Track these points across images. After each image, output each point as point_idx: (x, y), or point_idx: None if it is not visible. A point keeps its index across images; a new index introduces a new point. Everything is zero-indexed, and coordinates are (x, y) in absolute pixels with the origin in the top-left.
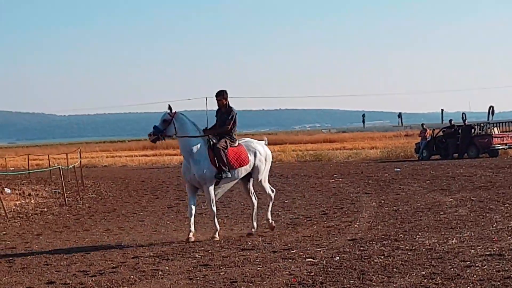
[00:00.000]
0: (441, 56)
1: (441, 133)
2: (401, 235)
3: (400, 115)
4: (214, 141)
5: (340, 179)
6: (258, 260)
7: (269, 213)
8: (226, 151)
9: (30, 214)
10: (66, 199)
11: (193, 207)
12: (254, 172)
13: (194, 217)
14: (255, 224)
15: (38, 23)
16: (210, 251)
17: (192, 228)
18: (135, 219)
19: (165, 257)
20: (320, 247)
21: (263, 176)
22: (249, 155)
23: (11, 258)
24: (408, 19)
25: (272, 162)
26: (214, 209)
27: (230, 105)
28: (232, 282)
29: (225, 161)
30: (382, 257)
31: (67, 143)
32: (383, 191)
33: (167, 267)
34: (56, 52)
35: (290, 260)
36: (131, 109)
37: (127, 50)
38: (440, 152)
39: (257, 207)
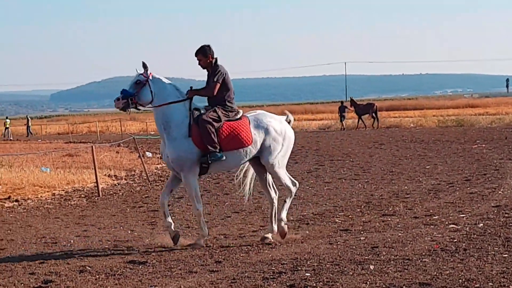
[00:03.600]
0: None
1: None
2: None
3: None
4: (202, 111)
5: (483, 145)
6: (399, 225)
7: (283, 212)
8: (219, 125)
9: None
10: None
11: (165, 201)
12: (263, 153)
13: (167, 213)
14: (274, 227)
15: None
16: (350, 216)
17: (169, 221)
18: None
19: (305, 222)
20: (463, 214)
21: (277, 160)
22: (254, 132)
23: (153, 220)
24: None
25: (412, 127)
26: (199, 205)
27: (218, 63)
28: (373, 248)
29: (214, 138)
30: None
31: None
32: None
33: (307, 232)
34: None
35: (432, 226)
36: (269, 74)
37: (267, 16)
38: None
39: (277, 204)
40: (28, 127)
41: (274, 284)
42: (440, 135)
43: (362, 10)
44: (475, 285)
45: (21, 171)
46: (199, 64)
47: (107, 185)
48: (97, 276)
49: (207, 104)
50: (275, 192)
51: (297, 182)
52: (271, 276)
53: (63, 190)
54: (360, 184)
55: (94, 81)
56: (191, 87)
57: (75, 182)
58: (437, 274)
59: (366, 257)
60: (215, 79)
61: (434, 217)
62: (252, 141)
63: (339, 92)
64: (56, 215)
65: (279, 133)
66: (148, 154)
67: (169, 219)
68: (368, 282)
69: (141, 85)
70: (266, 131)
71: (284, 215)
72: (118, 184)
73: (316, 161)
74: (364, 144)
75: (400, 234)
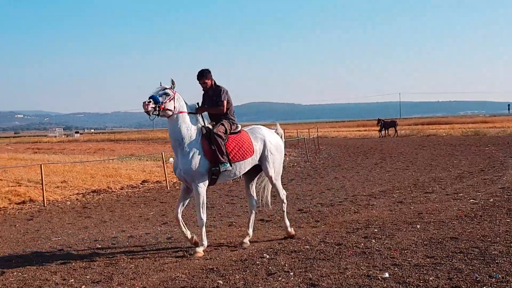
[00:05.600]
0: None
1: None
2: None
3: None
4: (210, 127)
5: (492, 147)
6: (436, 199)
7: (285, 219)
8: (226, 137)
9: (284, 167)
10: (308, 157)
11: (179, 214)
12: (263, 165)
13: (183, 224)
14: (250, 231)
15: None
16: (403, 193)
17: (188, 233)
18: (353, 171)
19: (373, 196)
20: (479, 192)
21: (275, 170)
22: (254, 144)
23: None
24: None
25: (444, 135)
26: (204, 216)
27: (217, 84)
28: (419, 214)
29: (224, 150)
30: None
31: (309, 122)
32: None
33: (375, 202)
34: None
35: (458, 200)
36: (348, 100)
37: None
38: None
39: (255, 212)
40: None
41: (354, 236)
42: (463, 140)
43: (414, 55)
44: (488, 239)
45: None
46: (204, 86)
47: None
48: (240, 229)
49: (209, 118)
50: (255, 202)
51: (285, 191)
52: (351, 231)
53: None
54: (409, 172)
55: (236, 105)
56: (198, 103)
57: None
58: (462, 231)
59: (414, 220)
60: (222, 98)
61: (460, 194)
62: (253, 152)
63: (395, 113)
64: (213, 190)
65: (274, 143)
66: None
67: (187, 232)
68: (416, 236)
69: (169, 98)
70: (264, 142)
71: (286, 222)
72: None
73: (380, 157)
74: (412, 146)
75: (437, 205)
